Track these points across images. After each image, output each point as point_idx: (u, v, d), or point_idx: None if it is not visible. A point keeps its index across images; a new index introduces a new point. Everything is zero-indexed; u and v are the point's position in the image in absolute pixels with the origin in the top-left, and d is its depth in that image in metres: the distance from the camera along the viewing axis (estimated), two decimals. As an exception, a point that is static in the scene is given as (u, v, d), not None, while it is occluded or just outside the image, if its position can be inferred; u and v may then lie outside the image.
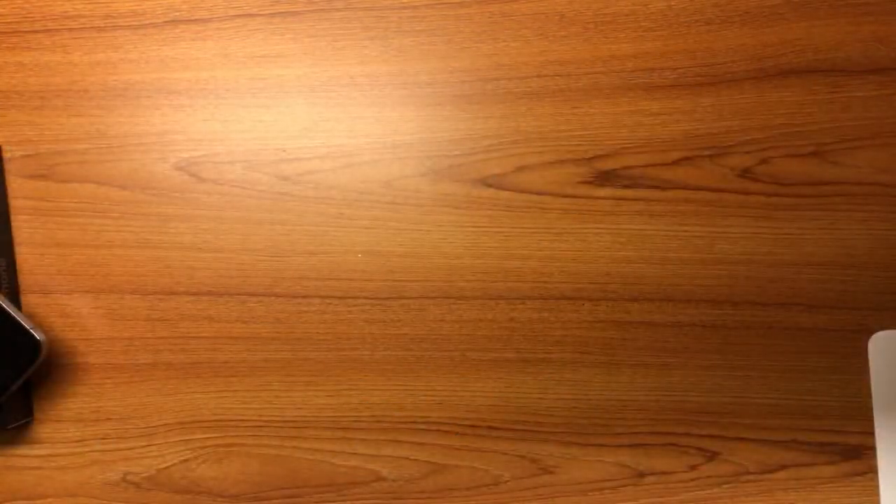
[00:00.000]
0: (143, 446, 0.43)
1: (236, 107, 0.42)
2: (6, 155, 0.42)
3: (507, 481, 0.42)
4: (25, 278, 0.42)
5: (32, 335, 0.38)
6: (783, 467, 0.42)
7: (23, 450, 0.43)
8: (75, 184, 0.42)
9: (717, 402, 0.42)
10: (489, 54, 0.42)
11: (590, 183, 0.42)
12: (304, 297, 0.42)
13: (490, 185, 0.42)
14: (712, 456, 0.42)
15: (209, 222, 0.42)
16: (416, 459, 0.43)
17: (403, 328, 0.42)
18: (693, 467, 0.42)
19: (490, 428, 0.42)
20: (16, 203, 0.43)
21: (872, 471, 0.42)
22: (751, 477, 0.41)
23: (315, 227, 0.42)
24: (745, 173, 0.41)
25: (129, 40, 0.42)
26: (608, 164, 0.42)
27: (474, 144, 0.42)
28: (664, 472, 0.42)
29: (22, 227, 0.43)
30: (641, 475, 0.42)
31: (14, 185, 0.42)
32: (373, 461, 0.43)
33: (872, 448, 0.42)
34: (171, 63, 0.42)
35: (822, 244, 0.42)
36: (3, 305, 0.38)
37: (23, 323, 0.38)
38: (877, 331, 0.42)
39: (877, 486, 0.42)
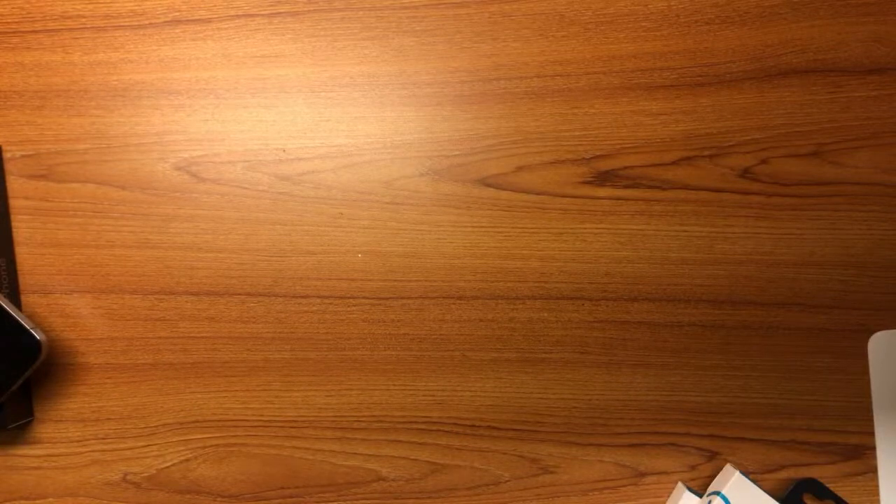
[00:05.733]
0: (143, 446, 0.43)
1: (236, 107, 0.42)
2: (6, 155, 0.42)
3: (507, 481, 0.42)
4: (25, 278, 0.42)
5: (32, 335, 0.38)
6: (783, 467, 0.42)
7: (23, 450, 0.43)
8: (75, 184, 0.42)
9: (717, 402, 0.42)
10: (489, 54, 0.42)
11: (590, 183, 0.42)
12: (304, 297, 0.42)
13: (490, 185, 0.42)
14: (712, 456, 0.42)
15: (209, 222, 0.42)
16: (416, 459, 0.43)
17: (403, 328, 0.42)
18: (693, 467, 0.42)
19: (490, 428, 0.42)
20: (16, 203, 0.43)
21: (872, 471, 0.42)
22: (751, 477, 0.41)
23: (315, 227, 0.42)
24: (745, 173, 0.41)
25: (130, 40, 0.42)
26: (608, 164, 0.42)
27: (474, 144, 0.42)
28: (664, 472, 0.42)
29: (22, 227, 0.42)
30: (641, 475, 0.42)
31: (14, 185, 0.42)
32: (373, 461, 0.43)
33: (872, 448, 0.42)
34: (172, 63, 0.42)
35: (822, 244, 0.42)
36: (3, 305, 0.38)
37: (23, 323, 0.38)
38: (877, 331, 0.42)
39: (877, 486, 0.42)
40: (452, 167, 0.42)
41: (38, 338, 0.38)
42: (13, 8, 0.43)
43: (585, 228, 0.42)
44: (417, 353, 0.42)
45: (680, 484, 0.42)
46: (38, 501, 0.43)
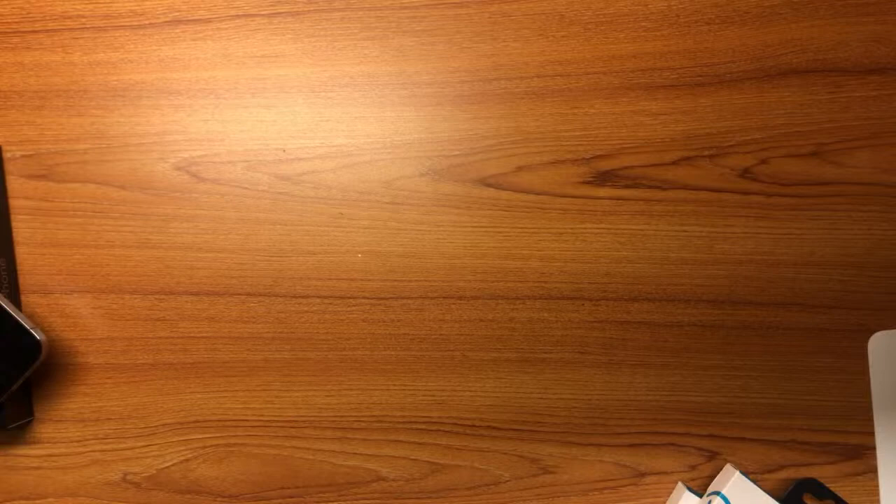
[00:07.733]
0: (143, 446, 0.43)
1: (236, 107, 0.42)
2: (6, 155, 0.42)
3: (507, 481, 0.42)
4: (25, 278, 0.42)
5: (32, 335, 0.38)
6: (783, 467, 0.42)
7: (23, 450, 0.43)
8: (75, 184, 0.42)
9: (717, 402, 0.42)
10: (489, 54, 0.42)
11: (590, 183, 0.42)
12: (304, 297, 0.42)
13: (490, 185, 0.42)
14: (712, 456, 0.42)
15: (209, 222, 0.42)
16: (416, 459, 0.43)
17: (403, 328, 0.42)
18: (693, 467, 0.42)
19: (490, 428, 0.42)
20: (16, 203, 0.43)
21: (872, 471, 0.42)
22: (751, 477, 0.41)
23: (315, 227, 0.42)
24: (745, 173, 0.41)
25: (130, 40, 0.42)
26: (608, 164, 0.42)
27: (474, 144, 0.42)
28: (664, 472, 0.42)
29: (22, 227, 0.43)
30: (641, 475, 0.42)
31: (14, 185, 0.42)
32: (373, 461, 0.43)
33: (872, 448, 0.42)
34: (172, 63, 0.42)
35: (822, 244, 0.42)
36: (3, 305, 0.38)
37: (23, 323, 0.38)
38: (877, 331, 0.42)
39: (877, 486, 0.42)
40: (452, 167, 0.42)
41: (38, 338, 0.38)
42: (13, 8, 0.43)
43: (585, 228, 0.42)
44: (417, 353, 0.42)
45: (680, 484, 0.42)
46: (38, 501, 0.43)
